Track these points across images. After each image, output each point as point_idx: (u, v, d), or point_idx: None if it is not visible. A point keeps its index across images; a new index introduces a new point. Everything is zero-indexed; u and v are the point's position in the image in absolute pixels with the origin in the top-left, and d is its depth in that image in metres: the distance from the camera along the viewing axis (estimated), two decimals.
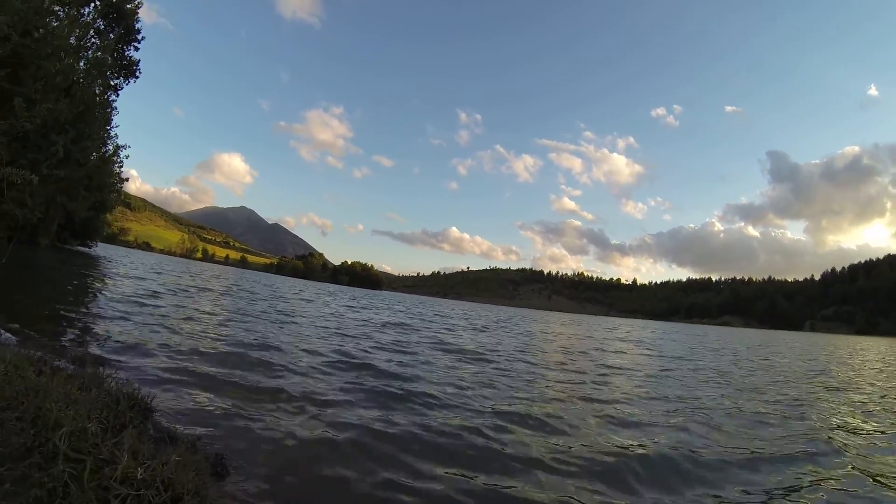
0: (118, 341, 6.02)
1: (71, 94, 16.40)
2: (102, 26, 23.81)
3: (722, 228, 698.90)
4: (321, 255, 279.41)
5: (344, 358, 7.42)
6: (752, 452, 4.48)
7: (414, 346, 10.32)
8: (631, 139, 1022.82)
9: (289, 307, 17.44)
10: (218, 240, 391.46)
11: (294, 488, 2.85)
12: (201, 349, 6.40)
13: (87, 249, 38.11)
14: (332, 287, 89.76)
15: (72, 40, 17.73)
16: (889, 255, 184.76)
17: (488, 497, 3.05)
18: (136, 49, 26.89)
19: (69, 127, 15.80)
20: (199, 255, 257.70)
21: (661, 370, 10.99)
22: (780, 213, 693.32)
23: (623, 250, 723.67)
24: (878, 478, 3.88)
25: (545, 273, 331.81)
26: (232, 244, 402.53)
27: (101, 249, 44.40)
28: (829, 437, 5.09)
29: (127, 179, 34.11)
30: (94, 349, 5.37)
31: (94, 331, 6.57)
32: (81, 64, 19.65)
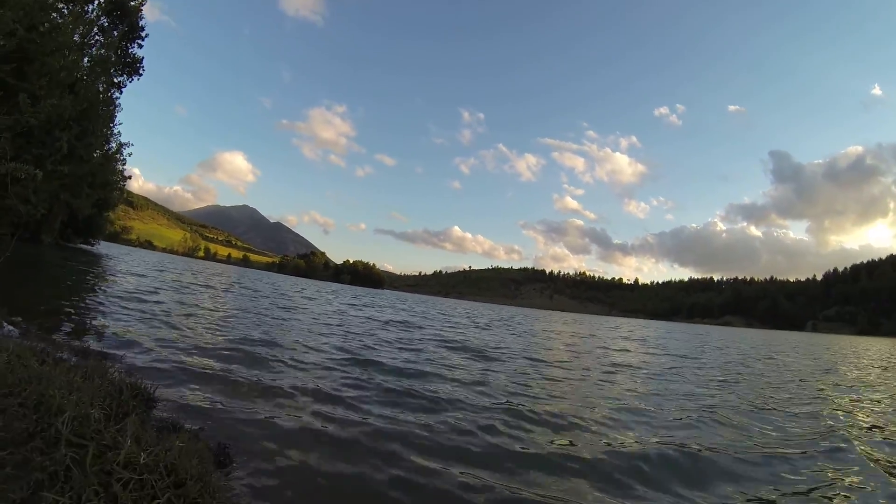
0: (120, 336, 5.99)
1: (75, 91, 16.45)
2: (106, 23, 23.86)
3: (724, 228, 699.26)
4: (323, 253, 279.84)
5: (348, 354, 7.38)
6: (768, 450, 4.40)
7: (418, 343, 10.28)
8: (634, 138, 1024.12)
9: (291, 304, 17.43)
10: (220, 238, 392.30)
11: (298, 482, 2.81)
12: (203, 345, 6.38)
13: (89, 247, 38.16)
14: (334, 286, 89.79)
15: (76, 37, 17.79)
16: (892, 255, 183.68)
17: (497, 496, 2.97)
18: (140, 46, 27.01)
19: (73, 123, 15.85)
20: (201, 253, 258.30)
21: (668, 368, 10.91)
22: (782, 213, 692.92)
23: (625, 250, 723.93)
24: None
25: (547, 272, 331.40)
26: (234, 243, 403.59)
27: (103, 248, 44.48)
28: (845, 435, 4.99)
29: (130, 177, 34.33)
30: (96, 344, 5.34)
31: (95, 326, 6.55)
32: (85, 61, 19.71)
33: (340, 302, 25.62)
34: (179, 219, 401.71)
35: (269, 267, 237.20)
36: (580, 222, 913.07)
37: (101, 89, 21.65)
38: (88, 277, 14.77)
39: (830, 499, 3.35)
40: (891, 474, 3.84)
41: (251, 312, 11.98)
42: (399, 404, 4.80)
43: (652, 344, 20.10)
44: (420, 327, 15.04)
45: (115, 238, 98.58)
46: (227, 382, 4.67)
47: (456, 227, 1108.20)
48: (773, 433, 5.12)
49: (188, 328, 7.64)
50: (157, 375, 4.43)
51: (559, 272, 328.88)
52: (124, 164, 30.31)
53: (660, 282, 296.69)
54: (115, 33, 24.06)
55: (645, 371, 9.91)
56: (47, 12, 14.26)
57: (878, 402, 8.02)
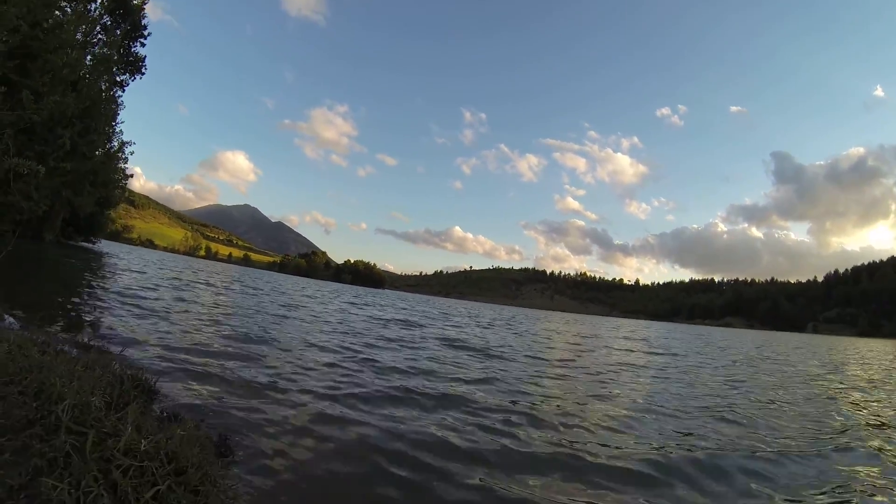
0: (120, 332, 5.97)
1: (77, 89, 16.47)
2: (109, 22, 23.90)
3: (725, 229, 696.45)
4: (324, 253, 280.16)
5: (349, 352, 7.36)
6: (780, 449, 4.34)
7: (419, 342, 10.25)
8: (635, 139, 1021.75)
9: (291, 303, 17.42)
10: (221, 238, 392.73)
11: (298, 474, 2.79)
12: (203, 341, 6.37)
13: (90, 245, 38.19)
14: (335, 285, 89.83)
15: (78, 35, 17.80)
16: (893, 256, 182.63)
17: (501, 496, 2.91)
18: (142, 45, 27.02)
19: (76, 121, 15.86)
20: (202, 252, 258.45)
21: (672, 368, 10.87)
22: (783, 214, 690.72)
23: (626, 250, 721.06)
24: None
25: (548, 273, 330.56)
26: (235, 242, 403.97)
27: (104, 246, 44.54)
28: (858, 434, 4.94)
29: (131, 176, 34.23)
30: (96, 339, 5.32)
31: (96, 322, 6.53)
32: (88, 59, 19.73)
33: (341, 301, 25.60)
34: (181, 218, 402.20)
35: (270, 266, 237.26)
36: (581, 223, 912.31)
37: (103, 87, 21.66)
38: (89, 274, 14.78)
39: (850, 497, 3.30)
40: None
41: (252, 310, 11.97)
42: (400, 403, 4.75)
43: (654, 344, 20.04)
44: (421, 326, 15.01)
45: (116, 237, 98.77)
46: (226, 379, 4.63)
47: (457, 228, 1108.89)
48: (784, 432, 5.06)
49: (188, 325, 7.63)
50: (156, 371, 4.40)
51: (560, 273, 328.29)
52: (126, 163, 30.28)
53: (661, 283, 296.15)
54: (118, 32, 24.11)
55: (649, 370, 9.88)
56: (50, 9, 14.29)
57: (888, 400, 7.98)
